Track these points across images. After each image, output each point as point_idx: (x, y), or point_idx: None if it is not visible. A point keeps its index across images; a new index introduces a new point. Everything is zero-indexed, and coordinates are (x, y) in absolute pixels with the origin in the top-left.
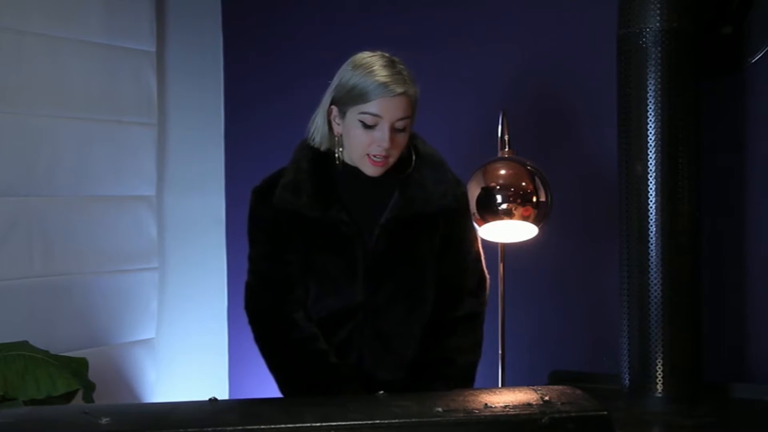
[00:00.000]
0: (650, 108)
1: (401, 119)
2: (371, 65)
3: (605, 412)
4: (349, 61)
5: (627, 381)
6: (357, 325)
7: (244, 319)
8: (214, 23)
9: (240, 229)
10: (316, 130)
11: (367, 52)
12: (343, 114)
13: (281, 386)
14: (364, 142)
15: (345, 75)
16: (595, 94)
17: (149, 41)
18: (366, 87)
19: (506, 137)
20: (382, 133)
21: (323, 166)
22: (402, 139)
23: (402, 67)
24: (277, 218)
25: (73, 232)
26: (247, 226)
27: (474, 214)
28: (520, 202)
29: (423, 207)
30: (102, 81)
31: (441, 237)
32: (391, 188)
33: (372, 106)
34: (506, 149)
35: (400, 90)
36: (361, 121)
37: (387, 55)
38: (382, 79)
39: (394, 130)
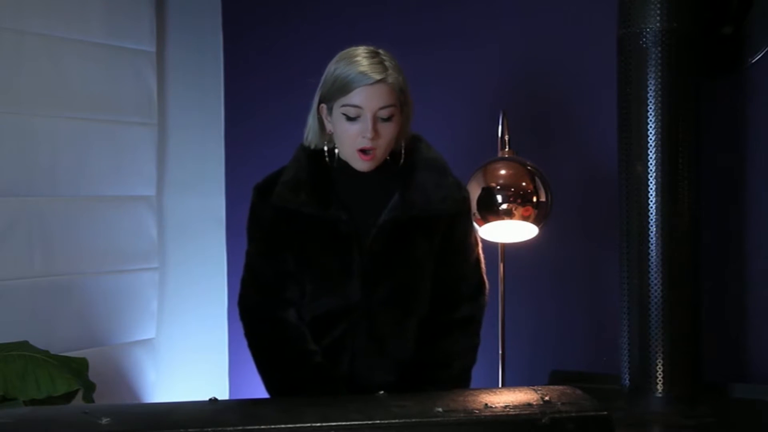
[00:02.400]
0: (650, 108)
1: (383, 108)
2: (352, 57)
3: (605, 412)
4: (334, 58)
5: (627, 381)
6: (351, 325)
7: None
8: (214, 23)
9: (240, 229)
10: (309, 130)
11: (353, 46)
12: (330, 110)
13: (266, 383)
14: (351, 136)
15: (329, 70)
16: (595, 94)
17: (149, 41)
18: (345, 78)
19: (506, 137)
20: (364, 124)
21: (323, 165)
22: (388, 129)
23: (385, 57)
24: (276, 216)
25: (73, 232)
26: (246, 223)
27: (474, 214)
28: (520, 202)
29: (421, 210)
30: (102, 81)
31: (440, 241)
32: (391, 189)
33: (352, 97)
34: (506, 149)
35: (378, 77)
36: (345, 114)
37: (372, 47)
38: (360, 69)
39: (378, 120)
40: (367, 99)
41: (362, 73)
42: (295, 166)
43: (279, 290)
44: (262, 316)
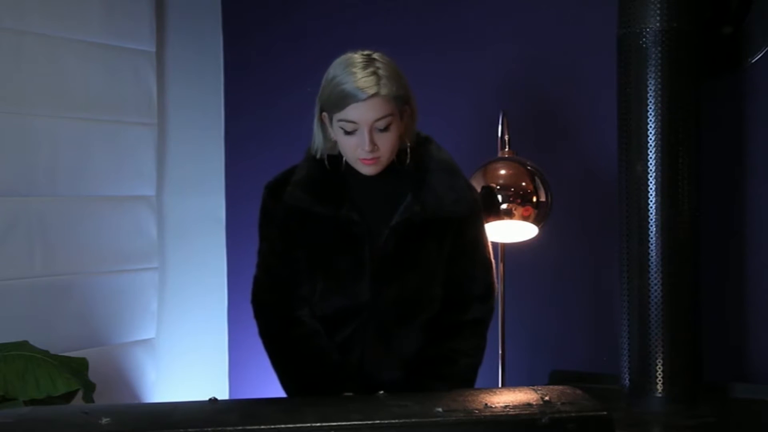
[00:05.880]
0: (650, 108)
1: (379, 119)
2: (345, 70)
3: (605, 412)
4: (331, 65)
5: (627, 381)
6: (361, 325)
7: (244, 319)
8: (214, 23)
9: (240, 229)
10: (315, 138)
11: (349, 54)
12: (330, 120)
13: (283, 382)
14: (350, 147)
15: (325, 79)
16: (595, 94)
17: (149, 41)
18: (339, 95)
19: (506, 137)
20: (361, 138)
21: (335, 165)
22: (387, 138)
23: (381, 64)
24: (288, 215)
25: (73, 232)
26: (258, 221)
27: None
28: (520, 202)
29: (434, 212)
30: (102, 81)
31: (451, 242)
32: (404, 191)
33: (347, 114)
34: (506, 149)
35: (371, 92)
36: (342, 128)
37: (367, 53)
38: (353, 84)
39: (375, 132)
40: (361, 115)
41: (355, 89)
42: (308, 165)
43: (292, 289)
44: (276, 315)
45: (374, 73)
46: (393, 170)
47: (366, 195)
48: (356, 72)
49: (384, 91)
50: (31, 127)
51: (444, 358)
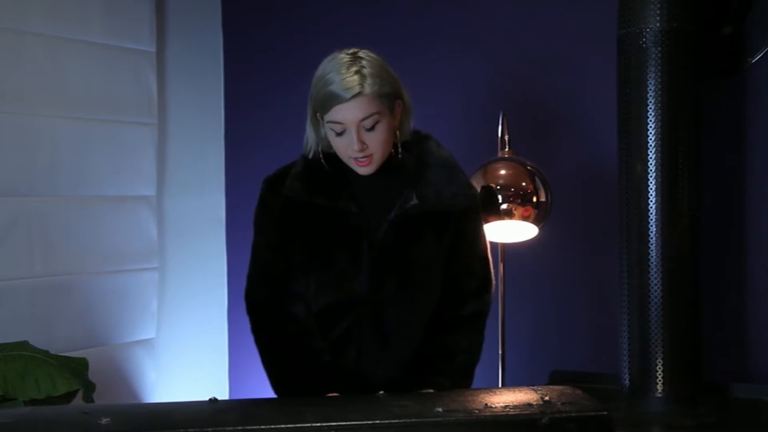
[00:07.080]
0: (650, 108)
1: (365, 119)
2: (329, 71)
3: (605, 412)
4: (319, 66)
5: (627, 381)
6: (357, 319)
7: (244, 319)
8: (214, 23)
9: (240, 229)
10: (307, 138)
11: (335, 53)
12: (322, 121)
13: (271, 380)
14: (342, 148)
15: (314, 82)
16: (595, 94)
17: (149, 41)
18: (324, 96)
19: (506, 137)
20: (350, 137)
21: (334, 159)
22: (376, 137)
23: (366, 62)
24: (286, 208)
25: (73, 232)
26: (254, 215)
27: None
28: (520, 202)
29: (433, 206)
30: (102, 81)
31: (449, 237)
32: (403, 185)
33: (333, 115)
34: (506, 149)
35: (355, 92)
36: (332, 130)
37: (353, 51)
38: (336, 85)
39: (362, 131)
40: (346, 115)
41: (339, 89)
42: (306, 159)
43: (287, 283)
44: (270, 310)
45: (358, 72)
46: (392, 166)
47: (365, 189)
48: (341, 72)
49: (368, 90)
50: (31, 127)
51: (441, 354)
